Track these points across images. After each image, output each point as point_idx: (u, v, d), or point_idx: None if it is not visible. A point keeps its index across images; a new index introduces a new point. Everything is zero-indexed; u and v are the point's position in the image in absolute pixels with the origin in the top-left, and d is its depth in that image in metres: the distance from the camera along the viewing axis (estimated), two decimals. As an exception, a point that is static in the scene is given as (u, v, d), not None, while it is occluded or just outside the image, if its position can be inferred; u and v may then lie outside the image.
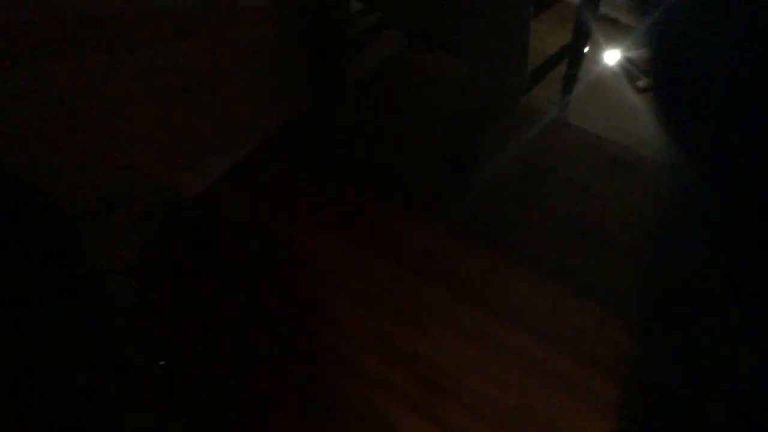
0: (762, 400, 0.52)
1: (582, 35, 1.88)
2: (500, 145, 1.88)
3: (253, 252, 1.59)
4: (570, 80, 2.00)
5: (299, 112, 1.90)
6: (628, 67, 2.18)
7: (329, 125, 1.94)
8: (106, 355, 0.92)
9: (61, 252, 0.84)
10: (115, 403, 0.92)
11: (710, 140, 0.51)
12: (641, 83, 2.13)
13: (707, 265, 0.55)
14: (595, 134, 2.00)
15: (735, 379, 0.55)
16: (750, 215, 0.49)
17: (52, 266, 0.80)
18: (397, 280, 1.56)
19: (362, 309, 1.49)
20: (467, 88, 1.56)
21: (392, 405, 1.33)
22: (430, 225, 1.69)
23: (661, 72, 0.62)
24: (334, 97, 1.94)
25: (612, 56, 2.23)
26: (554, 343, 1.46)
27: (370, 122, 1.96)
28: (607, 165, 1.91)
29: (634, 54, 2.19)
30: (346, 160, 1.83)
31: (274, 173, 1.77)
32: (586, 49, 1.97)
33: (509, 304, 1.53)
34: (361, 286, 1.54)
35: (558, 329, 1.49)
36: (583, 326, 1.50)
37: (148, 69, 1.36)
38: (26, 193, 0.83)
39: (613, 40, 2.28)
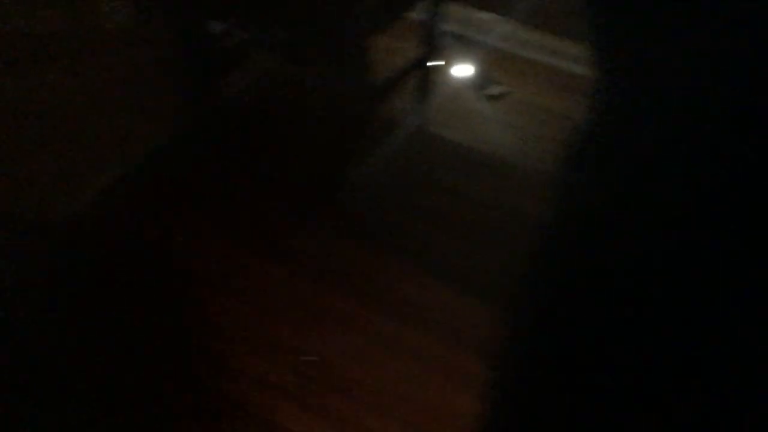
0: (628, 380, 0.52)
1: (430, 49, 2.07)
2: (367, 152, 2.02)
3: (136, 262, 1.64)
4: (424, 91, 2.18)
5: (178, 128, 1.97)
6: (479, 77, 2.39)
7: (209, 139, 2.02)
8: None
9: None
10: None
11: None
12: (491, 92, 2.34)
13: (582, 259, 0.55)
14: (453, 140, 2.18)
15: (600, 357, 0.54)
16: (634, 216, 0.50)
17: None
18: (282, 281, 1.66)
19: (248, 312, 1.58)
20: (319, 96, 1.70)
21: (272, 401, 1.42)
22: (315, 228, 1.80)
23: None
24: (210, 112, 2.03)
25: (463, 69, 2.44)
26: (433, 332, 1.60)
27: (251, 133, 2.06)
28: (469, 167, 2.10)
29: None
30: (229, 172, 1.92)
31: (158, 187, 1.84)
32: (437, 63, 2.17)
33: (391, 298, 1.66)
34: (248, 289, 1.63)
35: (437, 319, 1.63)
36: (461, 316, 1.64)
37: (19, 90, 1.39)
38: None
39: (462, 54, 2.49)
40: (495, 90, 2.34)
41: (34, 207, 1.60)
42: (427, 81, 2.17)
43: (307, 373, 1.48)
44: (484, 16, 2.56)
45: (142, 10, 1.86)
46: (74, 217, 1.70)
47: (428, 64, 2.13)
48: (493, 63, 2.47)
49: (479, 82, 2.38)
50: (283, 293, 1.63)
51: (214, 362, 1.47)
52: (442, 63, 2.31)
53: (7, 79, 1.34)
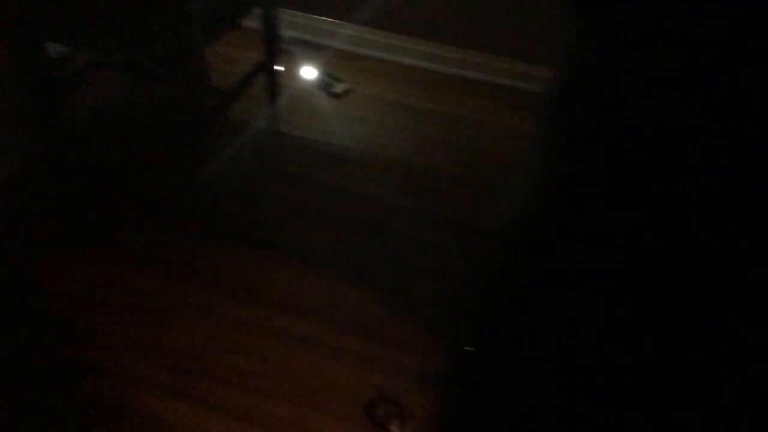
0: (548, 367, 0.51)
1: (271, 54, 2.19)
2: (222, 155, 2.12)
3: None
4: (272, 94, 2.30)
5: (29, 153, 1.98)
6: (323, 77, 2.54)
7: (59, 160, 2.04)
8: None
9: None
10: None
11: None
12: (336, 90, 2.49)
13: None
14: (303, 137, 2.31)
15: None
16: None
17: None
18: (157, 288, 1.71)
19: (120, 319, 1.63)
20: (167, 108, 1.78)
21: (148, 397, 1.48)
22: (180, 233, 1.87)
23: None
24: (58, 134, 2.04)
25: (308, 71, 2.58)
26: (311, 317, 1.70)
27: (102, 149, 2.09)
28: (319, 160, 2.23)
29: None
30: (83, 189, 1.95)
31: (14, 210, 1.85)
32: (282, 67, 2.30)
33: (268, 290, 1.75)
34: (118, 298, 1.67)
35: (313, 305, 1.73)
36: (333, 298, 1.75)
37: None
38: None
39: (306, 57, 2.63)
40: (339, 88, 2.50)
41: None
42: (275, 84, 2.30)
43: (181, 366, 1.54)
44: (325, 20, 2.72)
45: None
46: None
47: (274, 68, 2.26)
48: (335, 63, 2.63)
49: (324, 82, 2.52)
50: (157, 298, 1.69)
51: (92, 369, 1.51)
52: (285, 67, 2.44)
53: None
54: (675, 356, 0.45)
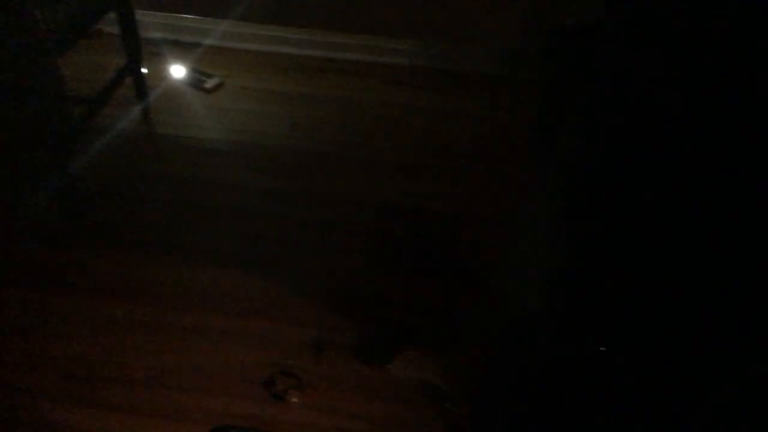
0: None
1: (134, 57, 2.19)
2: (92, 164, 2.11)
3: None
4: (140, 96, 2.30)
5: None
6: (193, 74, 2.55)
7: None
8: None
9: None
10: None
11: None
12: (207, 85, 2.51)
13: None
14: (178, 135, 2.33)
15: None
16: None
17: None
18: (37, 298, 1.71)
19: (4, 338, 1.62)
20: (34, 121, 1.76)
21: (43, 406, 1.49)
22: (64, 243, 1.86)
23: None
24: None
25: (177, 70, 2.59)
26: (205, 309, 1.73)
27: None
28: (201, 156, 2.25)
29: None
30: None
31: None
32: (147, 69, 2.29)
33: (156, 287, 1.77)
34: (3, 316, 1.66)
35: (205, 297, 1.76)
36: (231, 288, 1.79)
37: None
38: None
39: (174, 56, 2.64)
40: (210, 83, 2.52)
41: None
42: (143, 86, 2.30)
43: (74, 374, 1.56)
44: (189, 18, 2.72)
45: None
46: None
47: (140, 70, 2.26)
48: (204, 59, 2.64)
49: (194, 79, 2.54)
50: (43, 311, 1.69)
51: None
52: (154, 68, 2.44)
53: None
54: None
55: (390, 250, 1.89)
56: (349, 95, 2.55)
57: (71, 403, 1.51)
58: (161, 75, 2.53)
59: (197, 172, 2.16)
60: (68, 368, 1.57)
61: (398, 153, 2.31)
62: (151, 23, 2.61)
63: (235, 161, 2.21)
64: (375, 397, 1.56)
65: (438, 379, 1.54)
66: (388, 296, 1.76)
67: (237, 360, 1.62)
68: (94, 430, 1.47)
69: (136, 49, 2.18)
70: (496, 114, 2.50)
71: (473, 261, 1.88)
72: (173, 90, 2.51)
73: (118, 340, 1.65)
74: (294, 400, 1.54)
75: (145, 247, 1.89)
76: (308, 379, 1.58)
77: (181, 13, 2.70)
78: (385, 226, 1.96)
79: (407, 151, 2.32)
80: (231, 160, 2.21)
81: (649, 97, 0.42)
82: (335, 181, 2.17)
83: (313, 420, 1.52)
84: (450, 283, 1.79)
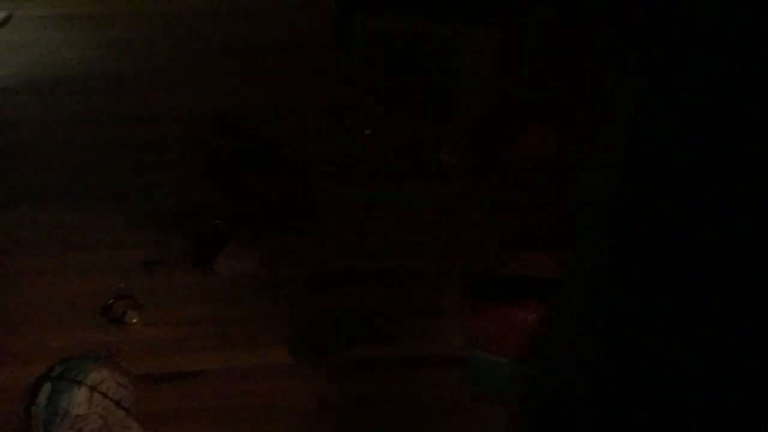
0: None
1: None
2: None
3: None
4: None
5: None
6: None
7: None
8: None
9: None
10: None
11: None
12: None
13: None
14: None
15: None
16: None
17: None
18: None
19: None
20: None
21: None
22: None
23: None
24: None
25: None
26: (36, 249, 1.71)
27: None
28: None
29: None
30: None
31: None
32: None
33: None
34: None
35: (34, 239, 1.73)
36: (59, 225, 1.76)
37: None
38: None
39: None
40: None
41: None
42: None
43: None
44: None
45: None
46: None
47: None
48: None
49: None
50: None
51: None
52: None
53: None
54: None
55: (205, 157, 1.91)
56: (137, 9, 2.45)
57: None
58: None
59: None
60: None
61: (197, 59, 2.27)
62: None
63: (34, 96, 2.12)
64: (212, 299, 1.63)
65: (262, 271, 1.63)
66: (207, 201, 1.80)
67: (69, 294, 1.64)
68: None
69: None
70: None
71: (285, 151, 1.93)
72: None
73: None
74: (134, 320, 1.59)
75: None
76: (145, 297, 1.63)
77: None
78: (196, 134, 1.96)
79: (207, 56, 2.29)
80: (28, 97, 2.12)
81: None
82: (142, 99, 2.14)
83: (156, 334, 1.58)
84: (264, 177, 1.84)
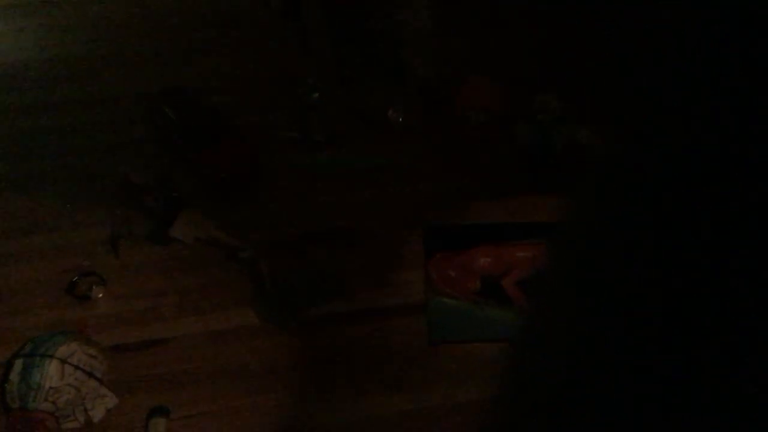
0: None
1: None
2: None
3: None
4: None
5: None
6: None
7: None
8: None
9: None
10: None
11: None
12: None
13: None
14: None
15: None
16: None
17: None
18: None
19: None
20: None
21: None
22: None
23: None
24: None
25: None
26: None
27: None
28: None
29: None
30: None
31: None
32: None
33: None
34: None
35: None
36: (17, 208, 1.77)
37: None
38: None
39: None
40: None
41: None
42: None
43: None
44: None
45: None
46: None
47: None
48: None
49: None
50: None
51: None
52: None
53: None
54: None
55: (161, 130, 1.93)
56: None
57: None
58: None
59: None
60: None
61: (147, 36, 2.28)
62: None
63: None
64: (175, 269, 1.66)
65: (222, 234, 1.66)
66: (168, 174, 1.81)
67: (33, 276, 1.66)
68: None
69: None
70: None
71: (239, 122, 1.95)
72: None
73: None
74: (100, 296, 1.61)
75: None
76: (109, 273, 1.65)
77: None
78: (152, 109, 1.97)
79: (159, 32, 2.29)
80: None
81: None
82: (95, 81, 2.14)
83: (122, 307, 1.60)
84: (220, 147, 1.86)
